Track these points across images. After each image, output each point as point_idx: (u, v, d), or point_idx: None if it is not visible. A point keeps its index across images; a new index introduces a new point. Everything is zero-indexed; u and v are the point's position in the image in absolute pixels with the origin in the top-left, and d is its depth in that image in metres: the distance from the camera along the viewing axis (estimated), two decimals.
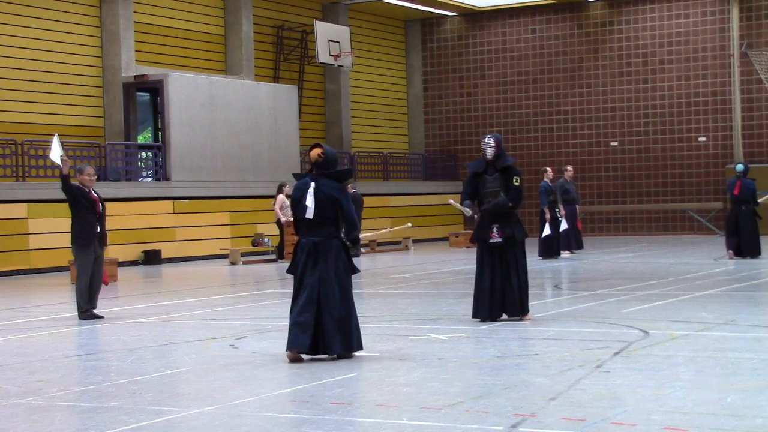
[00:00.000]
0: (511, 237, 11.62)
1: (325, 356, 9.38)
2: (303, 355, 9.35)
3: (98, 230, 13.71)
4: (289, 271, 9.60)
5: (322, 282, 9.30)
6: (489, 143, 11.70)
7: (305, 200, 9.39)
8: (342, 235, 9.56)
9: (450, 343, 10.20)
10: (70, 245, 13.75)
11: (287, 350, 9.33)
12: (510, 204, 11.60)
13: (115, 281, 20.34)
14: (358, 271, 9.73)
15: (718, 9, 32.91)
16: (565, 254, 23.80)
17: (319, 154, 9.47)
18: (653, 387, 7.64)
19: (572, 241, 24.18)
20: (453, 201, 12.61)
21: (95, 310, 13.72)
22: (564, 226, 23.85)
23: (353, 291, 9.63)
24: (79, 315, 13.60)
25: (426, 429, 6.49)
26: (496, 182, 11.67)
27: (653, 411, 6.80)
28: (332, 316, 9.29)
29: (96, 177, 14.07)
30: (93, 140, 25.93)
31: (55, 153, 13.55)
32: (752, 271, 18.60)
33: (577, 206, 24.76)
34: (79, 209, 13.64)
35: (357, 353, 9.52)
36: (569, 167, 25.26)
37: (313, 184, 9.42)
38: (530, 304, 13.70)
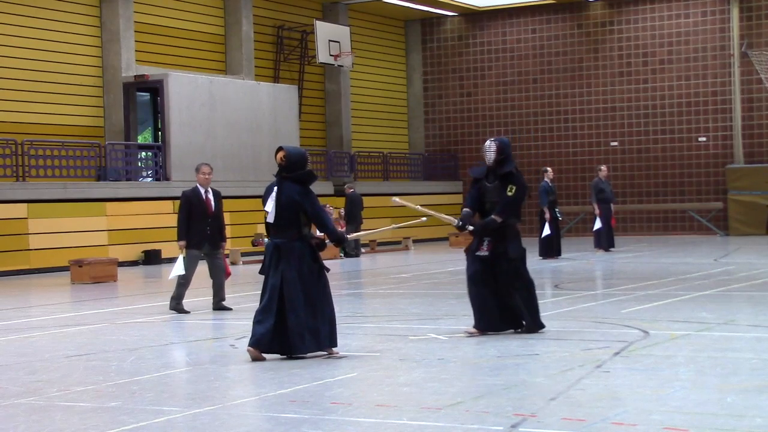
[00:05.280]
0: (504, 253, 10.59)
1: (313, 355, 9.38)
2: (266, 355, 9.43)
3: (208, 231, 13.81)
4: (260, 272, 9.69)
5: (285, 282, 9.36)
6: (489, 147, 10.98)
7: (266, 204, 9.56)
8: (313, 239, 9.57)
9: (450, 343, 10.19)
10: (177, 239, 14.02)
11: (249, 346, 9.44)
12: (499, 220, 10.61)
13: (114, 281, 20.35)
14: (328, 270, 9.68)
15: (718, 9, 32.91)
16: (598, 253, 24.10)
17: (281, 158, 9.58)
18: (653, 387, 7.64)
19: (604, 240, 24.56)
20: (398, 199, 11.76)
21: (224, 302, 14.15)
22: (598, 225, 24.44)
23: (330, 290, 9.62)
24: (169, 304, 14.12)
25: (426, 429, 6.49)
26: (495, 192, 10.79)
27: (653, 411, 6.80)
28: (296, 317, 9.31)
29: (210, 174, 14.07)
30: (93, 140, 25.92)
31: (177, 271, 13.68)
32: (752, 271, 18.60)
33: (612, 204, 25.10)
34: (191, 212, 13.81)
35: (337, 351, 9.49)
36: (603, 167, 25.68)
37: (276, 188, 9.56)
38: None
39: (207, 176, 14.01)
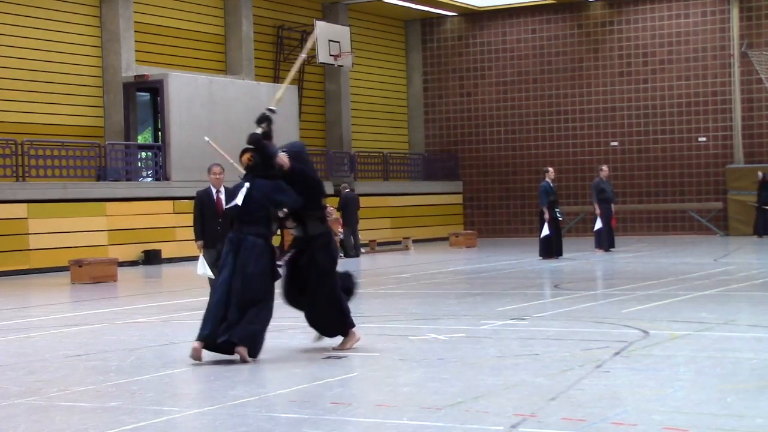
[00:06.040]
0: (313, 262, 9.84)
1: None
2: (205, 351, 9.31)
3: (219, 230, 13.83)
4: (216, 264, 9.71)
5: (236, 274, 9.33)
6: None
7: (236, 197, 9.59)
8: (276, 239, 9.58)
9: (450, 343, 10.19)
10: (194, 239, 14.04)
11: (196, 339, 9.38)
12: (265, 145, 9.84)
13: (114, 281, 20.35)
14: (279, 277, 9.61)
15: (718, 9, 32.91)
16: (598, 253, 24.13)
17: (249, 158, 9.69)
18: (653, 387, 7.64)
19: (604, 240, 24.60)
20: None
21: None
22: (598, 225, 24.52)
23: (274, 296, 9.56)
24: None
25: (426, 429, 6.49)
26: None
27: (653, 411, 6.80)
28: (237, 308, 9.25)
29: (221, 174, 14.09)
30: (93, 140, 25.92)
31: (200, 268, 13.67)
32: (752, 271, 18.60)
33: (613, 205, 25.13)
34: (203, 212, 13.84)
35: (246, 358, 9.24)
36: (604, 167, 25.72)
37: (247, 184, 9.62)
38: (530, 303, 13.75)
39: (218, 176, 14.07)
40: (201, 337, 9.31)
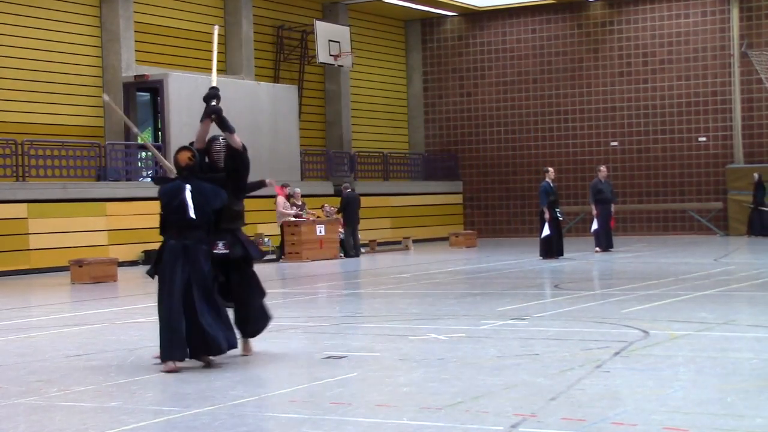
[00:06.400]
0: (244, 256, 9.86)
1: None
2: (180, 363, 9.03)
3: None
4: (150, 272, 9.26)
5: (195, 285, 9.00)
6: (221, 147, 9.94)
7: (185, 202, 9.13)
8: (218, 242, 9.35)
9: (450, 343, 10.19)
10: None
11: (165, 360, 8.93)
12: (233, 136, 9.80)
13: (114, 281, 20.35)
14: (217, 282, 9.38)
15: (718, 9, 32.91)
16: (597, 253, 24.19)
17: (189, 158, 9.28)
18: (653, 387, 7.64)
19: (602, 241, 24.64)
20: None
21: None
22: (594, 226, 24.55)
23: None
24: None
25: (426, 429, 6.49)
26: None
27: (653, 411, 6.80)
28: (205, 321, 8.99)
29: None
30: (93, 140, 25.92)
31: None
32: (752, 271, 18.60)
33: (613, 205, 25.12)
34: None
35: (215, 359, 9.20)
36: (602, 167, 25.71)
37: (188, 186, 9.22)
38: (529, 303, 13.75)
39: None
40: (172, 358, 8.92)
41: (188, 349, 9.02)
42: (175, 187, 9.28)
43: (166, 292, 9.03)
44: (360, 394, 7.88)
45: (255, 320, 9.82)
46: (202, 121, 9.85)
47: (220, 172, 9.71)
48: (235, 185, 9.85)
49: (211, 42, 11.07)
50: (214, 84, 10.17)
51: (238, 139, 9.82)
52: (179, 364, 8.96)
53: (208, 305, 9.08)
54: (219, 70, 30.12)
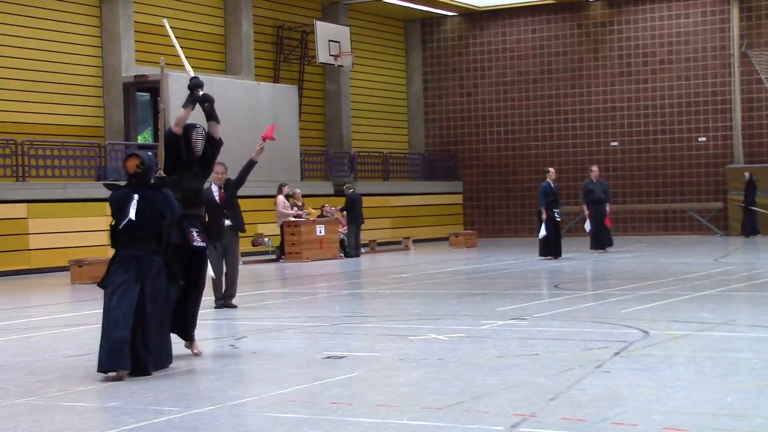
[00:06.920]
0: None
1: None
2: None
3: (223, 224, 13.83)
4: (101, 284, 8.99)
5: (147, 298, 8.80)
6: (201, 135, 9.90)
7: (128, 211, 8.86)
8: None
9: (450, 343, 10.19)
10: None
11: (107, 370, 8.70)
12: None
13: None
14: (175, 297, 9.32)
15: (718, 9, 32.91)
16: (595, 253, 24.20)
17: (137, 165, 8.99)
18: (653, 387, 7.64)
19: (601, 241, 24.65)
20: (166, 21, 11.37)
21: (233, 301, 14.34)
22: (587, 226, 24.60)
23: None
24: (215, 304, 14.27)
25: (426, 429, 6.49)
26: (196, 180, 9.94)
27: (653, 411, 6.80)
28: (154, 335, 8.86)
29: (223, 173, 14.18)
30: (93, 140, 25.92)
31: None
32: (752, 271, 18.60)
33: (608, 205, 25.06)
34: (206, 210, 13.83)
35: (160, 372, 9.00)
36: (594, 167, 25.63)
37: (136, 196, 8.92)
38: (529, 303, 13.76)
39: (220, 176, 14.25)
40: (116, 368, 8.69)
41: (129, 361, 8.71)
42: (123, 195, 9.00)
43: (111, 303, 8.78)
44: (360, 394, 7.88)
45: (192, 319, 9.88)
46: (184, 106, 9.91)
47: (195, 158, 9.80)
48: (206, 170, 10.06)
49: (168, 36, 11.10)
50: (192, 74, 10.29)
51: (218, 130, 9.99)
52: (123, 373, 8.68)
53: (156, 324, 8.91)
54: (219, 70, 30.19)
